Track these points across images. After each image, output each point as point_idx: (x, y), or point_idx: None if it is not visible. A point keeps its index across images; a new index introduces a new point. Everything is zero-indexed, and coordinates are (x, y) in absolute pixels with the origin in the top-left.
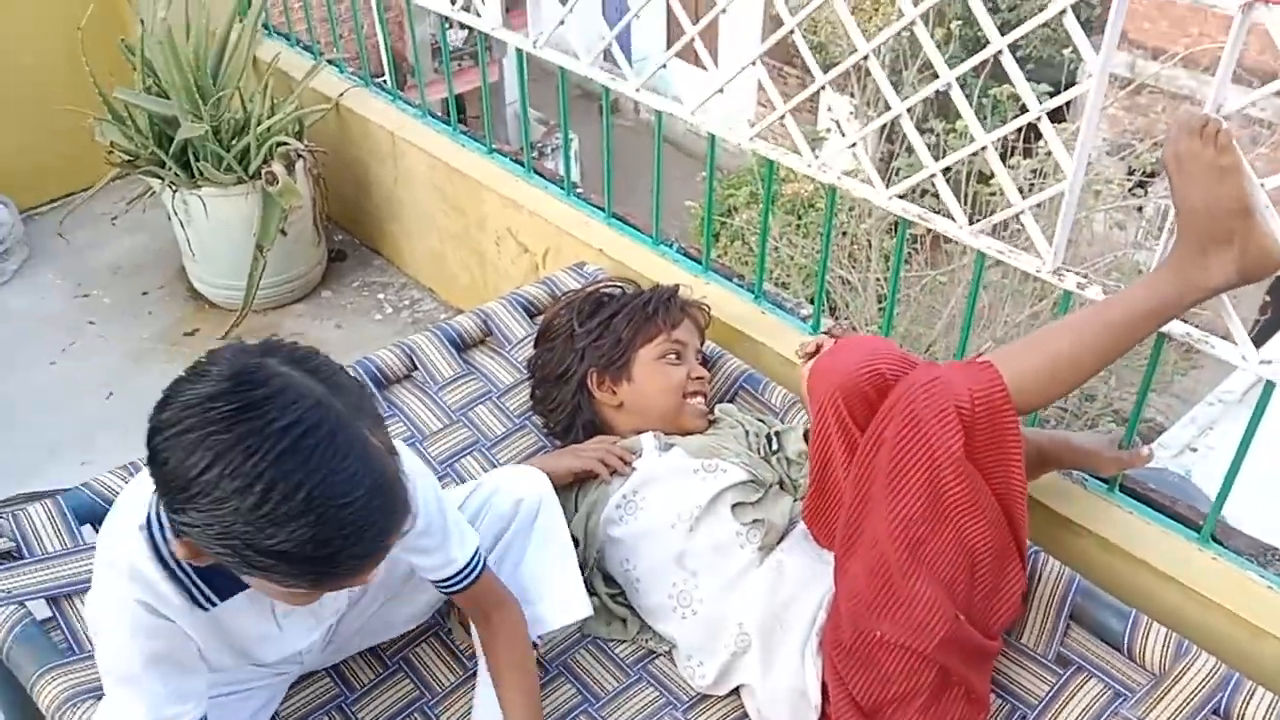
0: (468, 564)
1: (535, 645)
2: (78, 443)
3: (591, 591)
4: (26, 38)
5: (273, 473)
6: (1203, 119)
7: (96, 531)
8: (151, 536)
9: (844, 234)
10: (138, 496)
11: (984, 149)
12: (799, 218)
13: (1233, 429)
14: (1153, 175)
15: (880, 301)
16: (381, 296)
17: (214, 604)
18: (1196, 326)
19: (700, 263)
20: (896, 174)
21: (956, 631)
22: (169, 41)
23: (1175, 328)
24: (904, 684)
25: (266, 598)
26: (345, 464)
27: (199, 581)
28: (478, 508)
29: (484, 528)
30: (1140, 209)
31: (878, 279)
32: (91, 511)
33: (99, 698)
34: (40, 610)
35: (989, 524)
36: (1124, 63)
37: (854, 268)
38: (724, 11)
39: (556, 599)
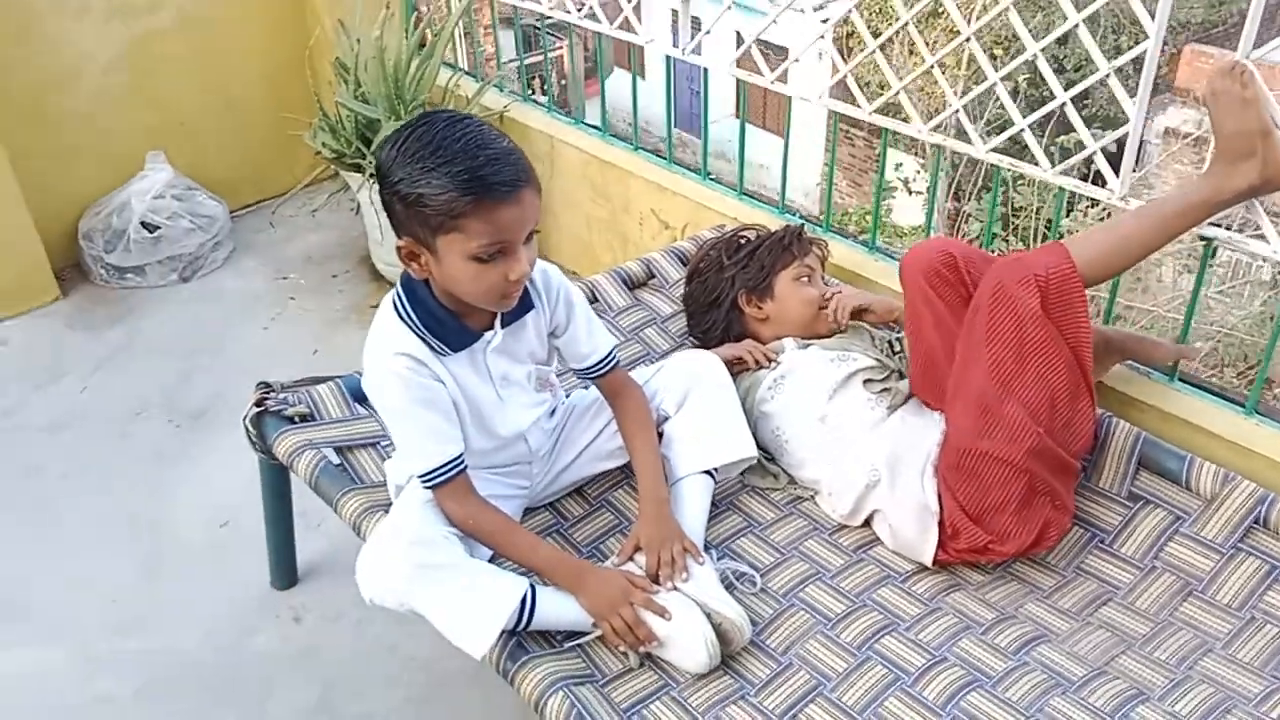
0: (609, 354)
1: (711, 475)
2: None
3: None
4: (235, 70)
5: (443, 134)
6: (1231, 63)
7: (365, 406)
8: (397, 310)
9: None
10: (384, 311)
11: (1064, 105)
12: None
13: None
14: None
15: None
16: None
17: (446, 352)
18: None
19: (821, 225)
20: (967, 220)
21: (1041, 445)
22: (379, 57)
23: (1220, 233)
24: (1000, 491)
25: (483, 363)
26: (492, 134)
27: (428, 334)
28: (667, 378)
29: (672, 388)
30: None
31: None
32: (359, 391)
33: (386, 510)
34: (330, 458)
35: (1064, 366)
36: (1192, 119)
37: None
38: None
39: (730, 440)
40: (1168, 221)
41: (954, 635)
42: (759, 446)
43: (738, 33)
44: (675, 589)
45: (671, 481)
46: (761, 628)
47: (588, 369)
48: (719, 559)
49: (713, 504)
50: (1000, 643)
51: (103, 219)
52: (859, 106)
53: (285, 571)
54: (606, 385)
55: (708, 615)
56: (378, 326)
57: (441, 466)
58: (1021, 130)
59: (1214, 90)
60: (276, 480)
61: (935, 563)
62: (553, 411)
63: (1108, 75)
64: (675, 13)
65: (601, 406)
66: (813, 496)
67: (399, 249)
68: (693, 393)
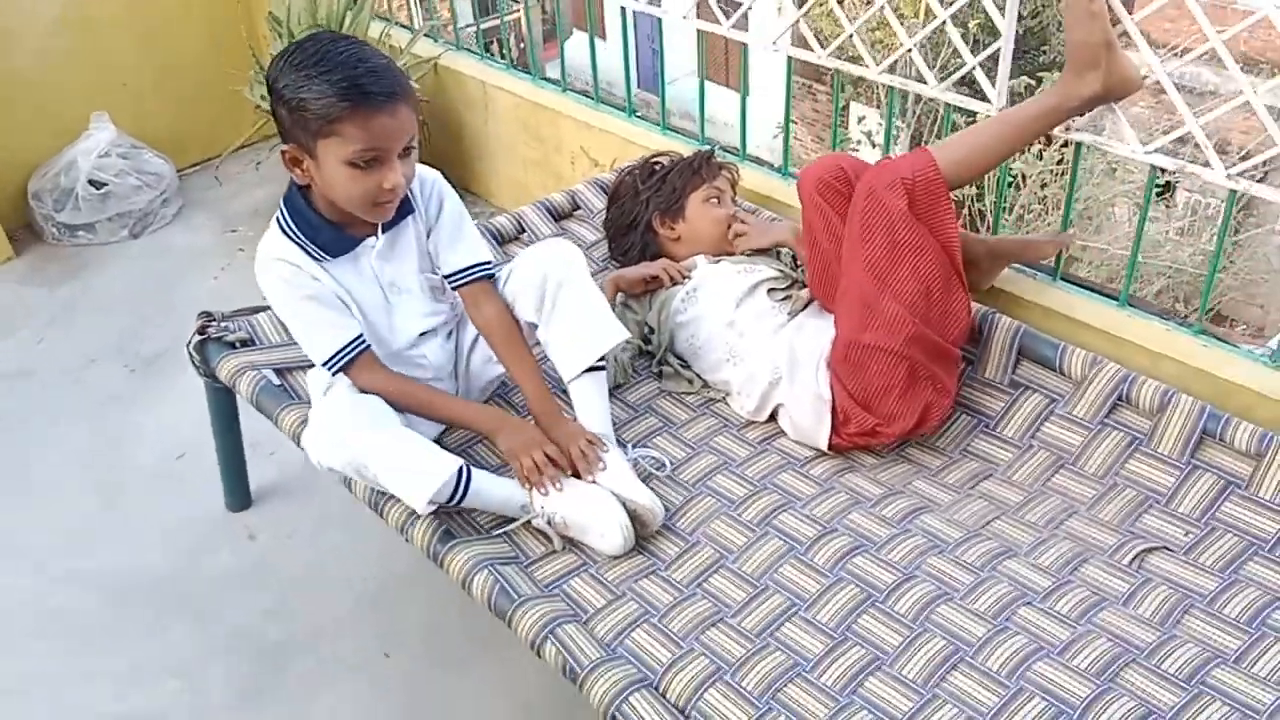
0: (484, 262)
1: (602, 368)
2: None
3: (666, 363)
4: (174, 29)
5: (327, 48)
6: None
7: None
8: (279, 223)
9: None
10: (269, 228)
11: (944, 21)
12: None
13: None
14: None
15: None
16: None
17: (325, 258)
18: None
19: (738, 154)
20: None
21: (918, 333)
22: (311, 10)
23: (1087, 137)
24: (884, 378)
25: (369, 268)
26: (375, 52)
27: (305, 241)
28: (520, 282)
29: (528, 292)
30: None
31: None
32: None
33: None
34: (271, 379)
35: (935, 261)
36: (1145, 64)
37: None
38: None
39: (604, 329)
40: (1023, 126)
41: (844, 510)
42: (675, 355)
43: None
44: (594, 482)
45: (566, 384)
46: (672, 513)
47: (449, 275)
48: (632, 449)
49: (631, 407)
50: (886, 514)
51: (51, 179)
52: (775, 47)
53: (238, 493)
54: (468, 297)
55: (623, 503)
56: (262, 241)
57: (343, 348)
58: (909, 50)
59: (1067, 4)
60: (223, 403)
61: (830, 448)
62: (450, 334)
63: None
64: None
65: None
66: (724, 398)
67: (283, 154)
68: (557, 295)
